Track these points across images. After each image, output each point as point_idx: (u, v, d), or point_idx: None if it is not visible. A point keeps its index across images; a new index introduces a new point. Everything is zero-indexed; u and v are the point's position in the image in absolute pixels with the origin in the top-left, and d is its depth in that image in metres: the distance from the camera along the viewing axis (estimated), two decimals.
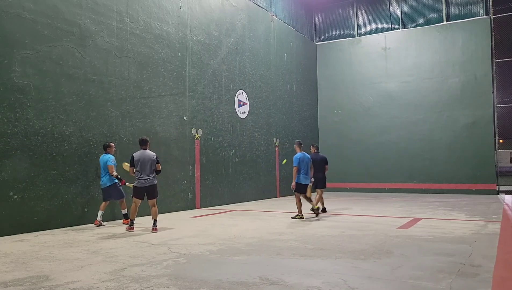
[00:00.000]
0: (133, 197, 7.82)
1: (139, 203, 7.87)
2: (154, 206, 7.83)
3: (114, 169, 8.42)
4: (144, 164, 7.66)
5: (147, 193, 7.78)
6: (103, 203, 8.50)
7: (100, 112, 9.05)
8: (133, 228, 7.74)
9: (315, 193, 10.64)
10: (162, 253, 5.67)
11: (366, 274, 4.46)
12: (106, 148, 8.63)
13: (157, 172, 7.89)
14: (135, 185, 7.76)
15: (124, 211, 8.74)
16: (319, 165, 10.46)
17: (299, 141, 9.82)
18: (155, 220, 7.75)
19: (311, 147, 10.92)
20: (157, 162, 7.84)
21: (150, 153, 7.82)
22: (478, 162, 15.70)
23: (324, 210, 10.41)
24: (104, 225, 8.50)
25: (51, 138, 8.03)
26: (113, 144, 8.78)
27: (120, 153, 9.45)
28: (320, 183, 10.46)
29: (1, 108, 7.29)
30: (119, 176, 8.48)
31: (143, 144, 7.86)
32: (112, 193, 8.49)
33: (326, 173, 10.63)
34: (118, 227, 8.28)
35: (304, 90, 17.93)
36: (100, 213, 8.44)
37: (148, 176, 7.69)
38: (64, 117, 8.29)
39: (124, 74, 9.65)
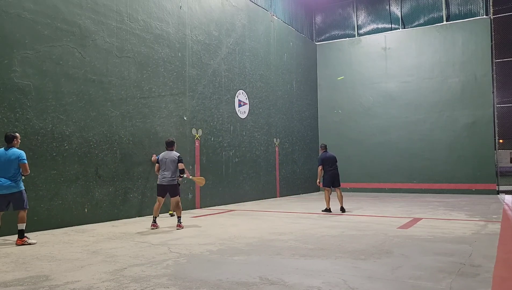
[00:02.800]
0: (157, 196, 8.34)
1: (162, 201, 8.32)
2: (177, 203, 8.20)
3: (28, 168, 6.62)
4: (163, 163, 8.22)
5: (168, 191, 8.27)
6: None
7: (100, 112, 9.05)
8: (157, 225, 8.08)
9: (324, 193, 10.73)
10: (162, 253, 5.67)
11: (366, 274, 4.46)
12: (11, 140, 6.56)
13: (180, 171, 8.19)
14: (157, 182, 8.33)
15: (22, 227, 6.49)
16: (332, 163, 10.56)
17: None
18: (178, 217, 8.15)
19: (320, 148, 11.03)
20: (179, 161, 8.19)
21: (173, 153, 8.27)
22: (478, 162, 15.69)
23: (342, 209, 10.36)
24: None
25: (51, 138, 8.03)
26: (18, 134, 6.77)
27: (121, 153, 9.46)
28: (337, 182, 10.55)
29: (1, 108, 7.29)
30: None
31: (168, 145, 8.35)
32: (21, 200, 6.54)
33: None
34: (118, 227, 8.29)
35: (304, 90, 17.93)
36: None
37: (167, 174, 8.16)
38: (64, 117, 8.29)
39: (124, 74, 9.65)
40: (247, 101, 14.10)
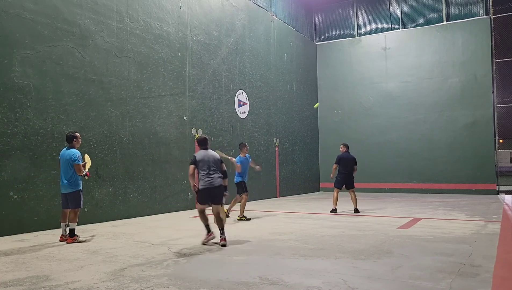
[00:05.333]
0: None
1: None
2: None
3: (82, 168, 6.67)
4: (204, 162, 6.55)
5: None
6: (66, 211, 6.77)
7: (100, 112, 9.05)
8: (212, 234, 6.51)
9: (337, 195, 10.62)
10: (162, 253, 5.67)
11: (366, 274, 4.46)
12: (71, 140, 6.73)
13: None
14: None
15: (72, 226, 6.63)
16: (350, 165, 10.43)
17: (243, 143, 9.63)
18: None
19: (341, 146, 10.75)
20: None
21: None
22: (478, 162, 15.69)
23: (356, 211, 10.22)
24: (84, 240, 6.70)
25: (51, 138, 8.03)
26: (79, 134, 6.91)
27: (121, 153, 9.45)
28: (350, 184, 10.45)
29: (1, 108, 7.29)
30: (85, 172, 6.77)
31: (202, 143, 6.76)
32: (75, 200, 6.66)
33: (354, 173, 10.56)
34: (118, 227, 8.28)
35: (304, 90, 17.92)
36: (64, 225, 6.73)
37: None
38: (64, 117, 8.29)
39: (124, 74, 9.65)
40: (247, 101, 14.10)
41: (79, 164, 6.61)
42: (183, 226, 8.33)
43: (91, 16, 8.94)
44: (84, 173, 6.72)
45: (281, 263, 5.05)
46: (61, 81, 8.28)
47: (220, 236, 6.25)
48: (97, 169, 8.86)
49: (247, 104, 14.10)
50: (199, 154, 6.60)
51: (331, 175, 10.56)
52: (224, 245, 6.10)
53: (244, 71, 13.99)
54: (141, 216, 9.84)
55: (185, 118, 11.41)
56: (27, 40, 7.72)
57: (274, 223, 8.74)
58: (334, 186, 10.56)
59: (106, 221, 8.97)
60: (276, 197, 15.45)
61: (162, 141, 10.58)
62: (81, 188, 6.79)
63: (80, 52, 8.67)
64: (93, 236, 7.21)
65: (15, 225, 7.37)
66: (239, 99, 13.68)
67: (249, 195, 14.11)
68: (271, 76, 15.52)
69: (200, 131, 11.88)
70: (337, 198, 10.40)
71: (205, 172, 6.40)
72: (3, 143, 7.29)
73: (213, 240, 6.37)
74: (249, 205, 12.55)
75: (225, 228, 6.39)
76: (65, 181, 6.63)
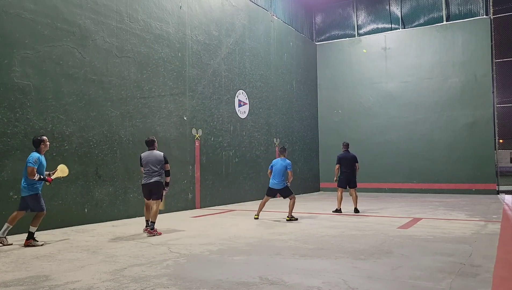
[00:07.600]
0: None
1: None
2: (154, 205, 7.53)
3: (35, 172, 6.36)
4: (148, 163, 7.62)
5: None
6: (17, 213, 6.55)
7: (100, 112, 9.05)
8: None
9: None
10: (162, 253, 5.67)
11: (366, 274, 4.46)
12: (38, 145, 6.55)
13: (166, 173, 7.63)
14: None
15: (33, 229, 6.48)
16: (351, 163, 10.41)
17: (282, 147, 10.02)
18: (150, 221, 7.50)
19: (342, 145, 10.80)
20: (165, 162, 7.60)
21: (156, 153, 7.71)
22: (478, 162, 15.70)
23: (356, 210, 10.23)
24: (10, 243, 6.47)
25: (51, 138, 8.00)
26: (46, 138, 6.71)
27: (121, 153, 9.45)
28: (352, 183, 10.45)
29: (1, 108, 7.29)
30: (42, 176, 6.53)
31: (149, 144, 7.74)
32: (30, 203, 6.52)
33: (357, 172, 10.57)
34: (118, 227, 8.28)
35: (304, 90, 17.92)
36: (6, 226, 6.47)
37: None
38: (64, 117, 8.29)
39: (124, 74, 9.65)
40: (247, 101, 14.10)
41: (31, 167, 6.30)
42: (183, 226, 8.34)
43: (91, 16, 8.94)
44: (38, 178, 6.37)
45: (281, 263, 5.05)
46: (61, 81, 8.28)
47: (146, 226, 7.50)
48: (97, 169, 8.86)
49: (247, 104, 14.10)
50: (144, 154, 7.73)
51: (335, 178, 10.50)
52: (149, 235, 7.17)
53: (244, 71, 13.99)
54: (141, 216, 9.82)
55: (185, 118, 11.41)
56: (27, 40, 7.72)
57: (274, 223, 8.75)
58: (337, 186, 10.54)
59: (106, 221, 8.97)
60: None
61: (162, 141, 10.56)
62: (39, 192, 6.53)
63: (80, 52, 8.67)
64: (94, 236, 7.20)
65: (15, 225, 7.35)
66: (239, 99, 13.68)
67: (249, 195, 14.20)
68: (271, 76, 15.52)
69: (200, 131, 11.89)
70: (341, 198, 10.43)
71: (147, 171, 7.58)
72: (3, 143, 7.29)
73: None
74: (250, 205, 12.56)
75: (156, 222, 7.41)
76: (22, 184, 6.47)
